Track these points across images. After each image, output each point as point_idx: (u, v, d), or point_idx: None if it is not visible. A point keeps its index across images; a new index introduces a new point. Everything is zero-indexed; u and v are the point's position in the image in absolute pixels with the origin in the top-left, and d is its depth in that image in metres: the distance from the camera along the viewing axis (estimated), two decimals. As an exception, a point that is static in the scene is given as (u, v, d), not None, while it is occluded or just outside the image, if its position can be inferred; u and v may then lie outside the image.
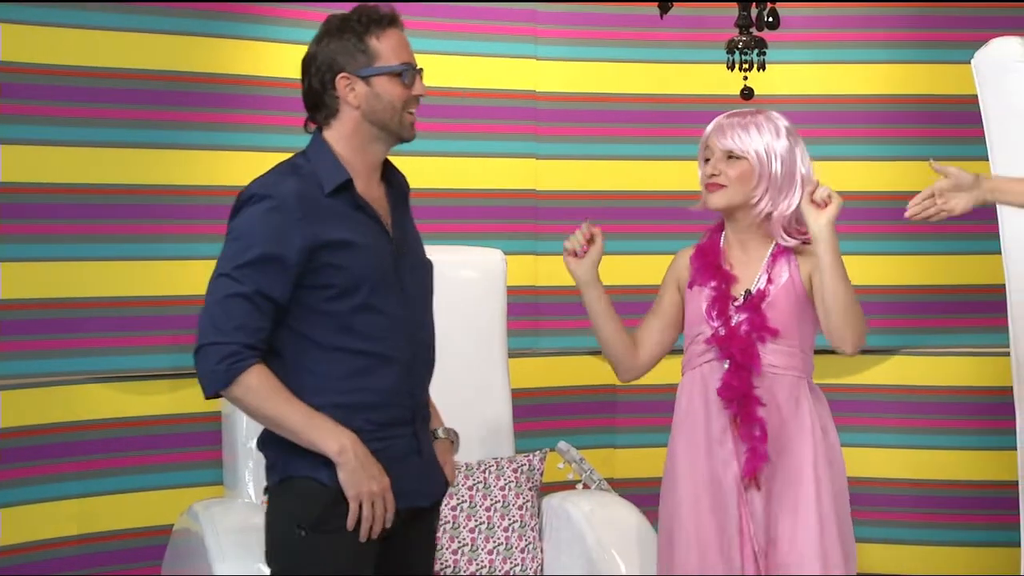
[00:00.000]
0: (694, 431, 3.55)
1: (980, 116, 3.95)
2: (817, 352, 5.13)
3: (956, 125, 4.97)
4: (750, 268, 3.57)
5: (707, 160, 3.57)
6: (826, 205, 3.37)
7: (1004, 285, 3.95)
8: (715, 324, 3.53)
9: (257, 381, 2.88)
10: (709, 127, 3.58)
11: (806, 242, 3.54)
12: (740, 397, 3.49)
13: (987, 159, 3.95)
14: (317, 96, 3.01)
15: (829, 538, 3.49)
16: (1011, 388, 3.92)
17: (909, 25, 5.11)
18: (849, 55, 5.10)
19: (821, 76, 5.11)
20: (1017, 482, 3.93)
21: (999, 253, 3.96)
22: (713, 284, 3.55)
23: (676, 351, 3.84)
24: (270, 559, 3.02)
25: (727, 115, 3.58)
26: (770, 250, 3.57)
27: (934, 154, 5.07)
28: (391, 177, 3.10)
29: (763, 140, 3.53)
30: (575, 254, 3.57)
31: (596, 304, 3.65)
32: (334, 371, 2.95)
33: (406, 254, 3.04)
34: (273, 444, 2.99)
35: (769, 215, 3.55)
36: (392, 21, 3.00)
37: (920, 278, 5.12)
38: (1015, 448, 3.91)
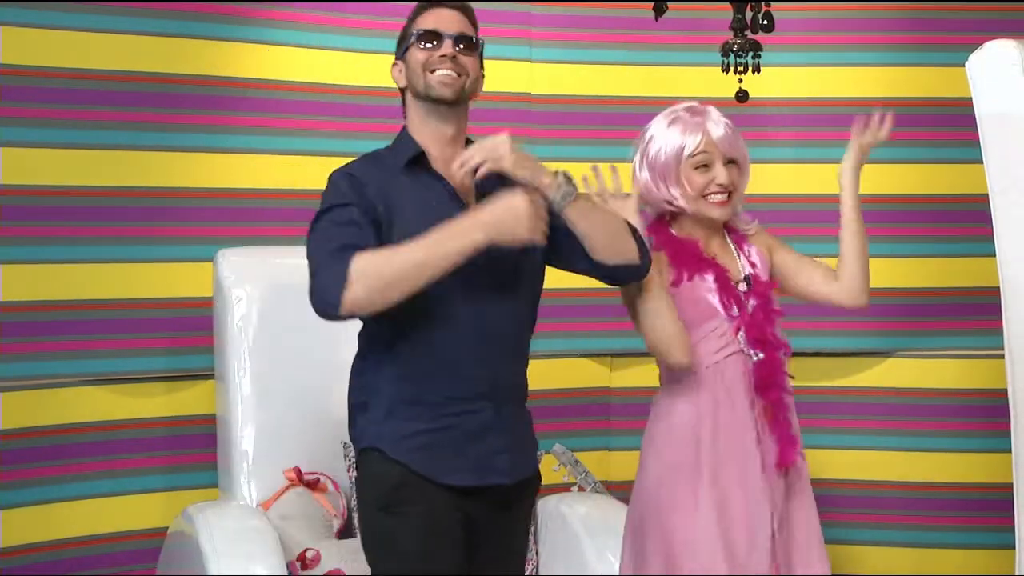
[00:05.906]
0: (716, 429, 3.34)
1: (974, 119, 3.94)
2: (814, 355, 5.15)
3: (950, 128, 4.98)
4: (722, 257, 3.44)
5: (703, 166, 3.41)
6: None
7: (998, 287, 3.95)
8: (735, 314, 3.37)
9: (363, 262, 2.84)
10: (692, 133, 3.43)
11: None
12: (774, 384, 3.36)
13: (981, 162, 3.95)
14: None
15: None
16: (1005, 390, 3.92)
17: (903, 28, 5.11)
18: (843, 58, 5.10)
19: (815, 79, 5.11)
20: (1011, 484, 3.92)
21: (993, 255, 3.96)
22: (712, 276, 3.39)
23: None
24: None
25: (694, 112, 3.46)
26: (727, 238, 3.49)
27: (930, 157, 5.10)
28: None
29: (739, 136, 3.48)
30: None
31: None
32: (398, 344, 2.98)
33: None
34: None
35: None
36: (432, 3, 3.13)
37: (914, 280, 5.12)
38: (1010, 450, 3.91)
